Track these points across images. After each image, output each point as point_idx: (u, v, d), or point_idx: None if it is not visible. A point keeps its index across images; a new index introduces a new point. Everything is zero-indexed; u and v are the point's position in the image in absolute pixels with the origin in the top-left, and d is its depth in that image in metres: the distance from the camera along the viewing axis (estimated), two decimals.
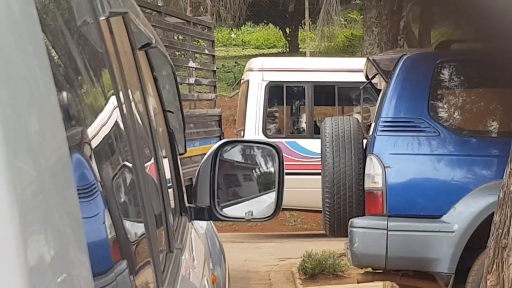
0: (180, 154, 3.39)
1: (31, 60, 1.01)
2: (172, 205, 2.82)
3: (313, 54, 22.63)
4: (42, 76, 1.03)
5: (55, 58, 1.23)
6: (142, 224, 1.80)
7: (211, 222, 4.49)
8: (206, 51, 12.44)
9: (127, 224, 1.60)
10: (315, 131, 13.15)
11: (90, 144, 1.32)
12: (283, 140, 12.87)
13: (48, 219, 0.95)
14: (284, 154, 3.18)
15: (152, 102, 2.74)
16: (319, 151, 7.44)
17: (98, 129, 1.45)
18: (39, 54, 1.04)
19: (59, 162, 1.04)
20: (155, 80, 2.97)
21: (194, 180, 3.05)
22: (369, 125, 7.65)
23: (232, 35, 30.44)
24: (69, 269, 0.99)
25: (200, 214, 3.07)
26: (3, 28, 0.93)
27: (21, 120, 0.93)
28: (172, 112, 3.44)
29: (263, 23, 29.41)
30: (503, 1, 1.47)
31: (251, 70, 13.80)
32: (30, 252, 0.87)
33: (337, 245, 9.89)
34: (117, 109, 1.67)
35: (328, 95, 13.80)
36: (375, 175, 6.75)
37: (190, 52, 11.45)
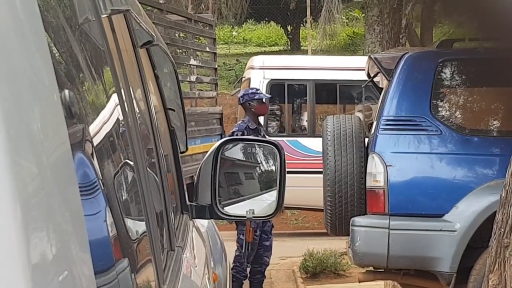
0: (181, 152, 3.39)
1: (33, 57, 1.01)
2: (174, 203, 2.82)
3: (314, 52, 22.61)
4: (44, 74, 1.03)
5: (57, 55, 1.23)
6: (144, 222, 1.80)
7: (212, 220, 4.49)
8: (208, 49, 12.45)
9: (129, 222, 1.60)
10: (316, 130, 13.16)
11: (92, 142, 1.32)
12: (285, 139, 12.88)
13: (50, 217, 0.94)
14: (285, 153, 3.18)
15: (154, 100, 2.73)
16: (321, 150, 7.44)
17: (100, 126, 1.45)
18: (41, 51, 1.04)
19: (61, 160, 1.03)
20: (157, 77, 2.97)
21: (195, 178, 3.05)
22: (371, 124, 7.64)
23: (234, 33, 30.43)
24: (70, 266, 0.98)
25: (201, 212, 3.07)
26: (5, 26, 0.93)
27: (23, 117, 0.93)
28: (173, 110, 3.44)
29: (264, 21, 29.40)
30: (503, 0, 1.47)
31: (253, 68, 13.79)
32: (32, 250, 0.87)
33: (338, 244, 9.88)
34: (119, 106, 1.67)
35: (330, 93, 13.79)
36: (376, 174, 6.74)
37: (192, 50, 11.45)
